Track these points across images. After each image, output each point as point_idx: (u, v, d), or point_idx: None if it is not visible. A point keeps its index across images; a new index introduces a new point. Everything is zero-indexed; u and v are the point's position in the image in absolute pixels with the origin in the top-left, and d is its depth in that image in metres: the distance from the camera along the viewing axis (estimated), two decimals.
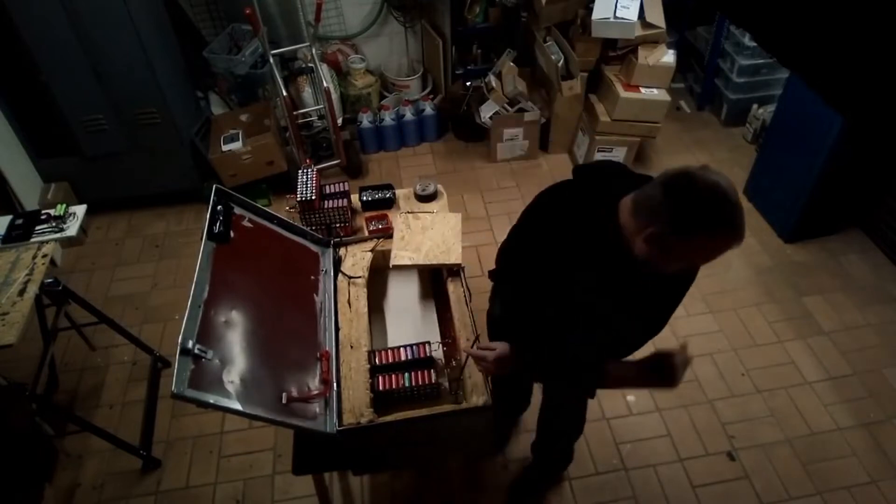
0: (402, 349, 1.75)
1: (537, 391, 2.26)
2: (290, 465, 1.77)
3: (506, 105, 3.49)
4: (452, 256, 1.93)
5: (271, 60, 3.12)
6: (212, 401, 1.34)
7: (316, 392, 1.60)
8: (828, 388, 2.58)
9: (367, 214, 2.19)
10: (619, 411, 2.51)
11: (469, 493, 2.29)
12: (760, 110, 3.70)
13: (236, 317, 1.56)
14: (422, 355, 1.73)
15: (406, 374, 1.69)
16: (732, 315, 2.87)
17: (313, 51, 3.20)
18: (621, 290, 1.30)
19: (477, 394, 1.65)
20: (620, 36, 3.26)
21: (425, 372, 1.69)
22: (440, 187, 2.27)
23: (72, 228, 2.26)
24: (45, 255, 2.15)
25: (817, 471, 2.32)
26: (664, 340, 2.92)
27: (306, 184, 2.09)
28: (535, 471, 2.28)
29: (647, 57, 3.25)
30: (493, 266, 1.69)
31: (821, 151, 2.84)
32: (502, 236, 1.65)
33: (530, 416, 2.49)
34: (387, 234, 2.06)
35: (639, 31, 3.21)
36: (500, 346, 1.54)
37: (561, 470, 2.31)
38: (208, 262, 1.58)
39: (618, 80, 3.37)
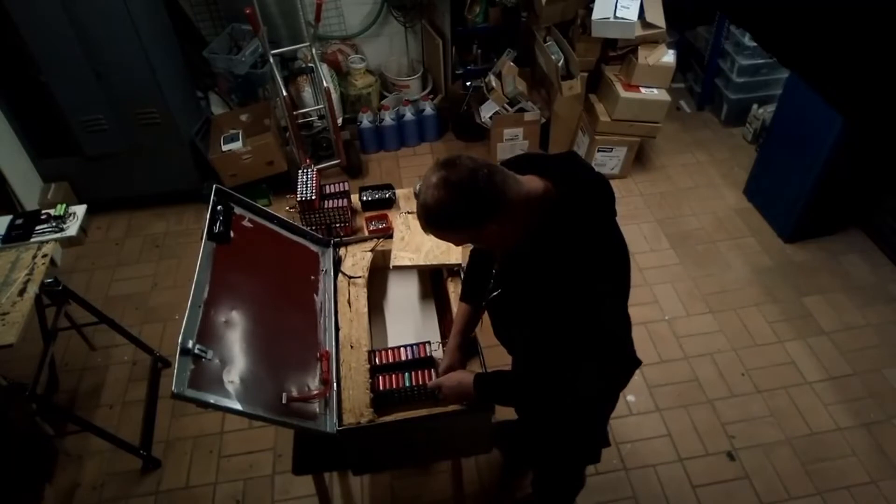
0: (402, 349, 1.75)
1: None
2: (290, 465, 1.77)
3: (506, 105, 3.48)
4: (452, 256, 1.93)
5: (271, 60, 3.12)
6: (212, 401, 1.34)
7: (316, 392, 1.60)
8: (828, 388, 2.58)
9: (367, 214, 2.19)
10: (620, 411, 2.51)
11: (469, 494, 2.29)
12: (760, 110, 3.70)
13: (236, 317, 1.56)
14: (422, 355, 1.73)
15: (406, 374, 1.69)
16: (732, 315, 2.87)
17: (313, 51, 3.20)
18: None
19: None
20: (620, 36, 3.26)
21: (425, 372, 1.69)
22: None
23: (72, 228, 2.26)
24: (45, 255, 2.15)
25: (817, 471, 2.32)
26: (663, 340, 2.94)
27: (306, 184, 2.09)
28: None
29: (647, 57, 3.25)
30: None
31: (821, 151, 2.84)
32: None
33: None
34: (387, 234, 2.06)
35: (639, 31, 3.21)
36: (457, 378, 1.58)
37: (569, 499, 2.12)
38: (208, 262, 1.58)
39: (618, 80, 3.37)
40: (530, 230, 1.26)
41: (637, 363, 1.56)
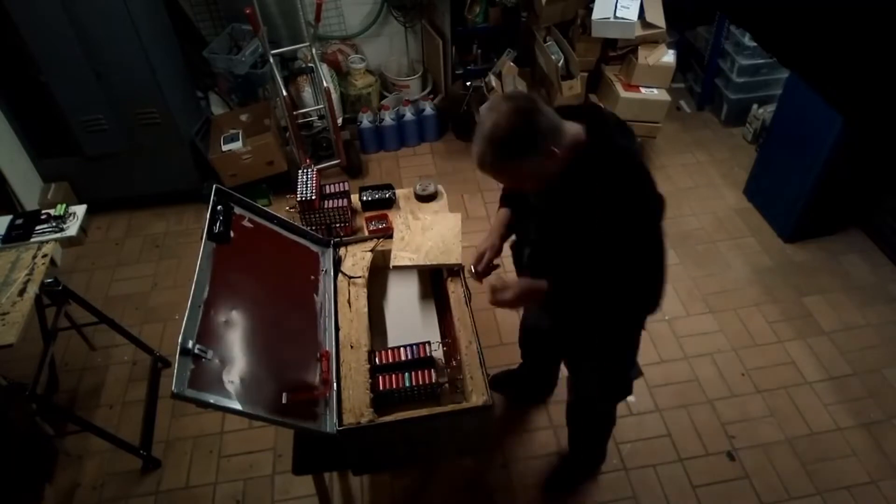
0: (402, 349, 1.75)
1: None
2: (290, 465, 1.77)
3: None
4: (452, 256, 1.94)
5: (271, 60, 3.12)
6: (212, 401, 1.35)
7: (316, 392, 1.60)
8: (828, 388, 2.58)
9: (367, 214, 2.19)
10: (620, 411, 2.49)
11: (469, 493, 2.29)
12: (760, 110, 3.70)
13: (236, 317, 1.56)
14: (422, 355, 1.73)
15: (406, 374, 1.69)
16: (732, 315, 2.87)
17: (313, 51, 3.20)
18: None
19: (477, 394, 1.65)
20: (620, 36, 3.26)
21: (425, 372, 1.69)
22: (440, 187, 2.27)
23: (72, 228, 2.26)
24: (45, 255, 2.15)
25: (817, 471, 2.32)
26: (663, 340, 2.94)
27: (306, 184, 2.09)
28: (570, 465, 2.32)
29: (647, 57, 3.25)
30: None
31: (821, 151, 2.84)
32: None
33: (557, 413, 2.49)
34: (387, 234, 2.06)
35: (639, 31, 3.21)
36: (525, 283, 1.61)
37: (595, 466, 2.33)
38: (208, 262, 1.58)
39: (618, 80, 3.37)
40: (565, 167, 1.37)
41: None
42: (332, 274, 1.96)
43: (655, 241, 1.43)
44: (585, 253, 1.44)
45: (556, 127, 1.32)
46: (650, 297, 1.49)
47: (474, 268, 1.77)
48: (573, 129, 1.38)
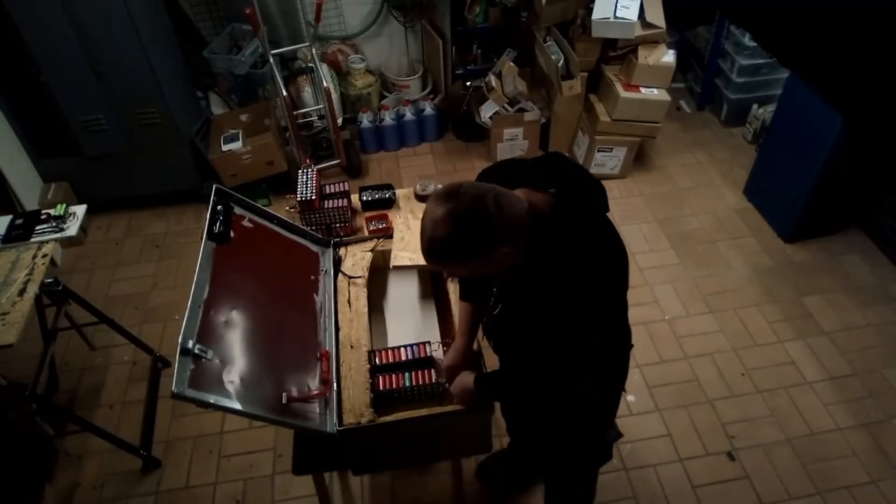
0: (402, 349, 1.75)
1: None
2: (290, 465, 1.77)
3: (506, 105, 3.48)
4: None
5: (271, 60, 3.12)
6: (212, 401, 1.35)
7: (316, 392, 1.60)
8: (828, 388, 2.58)
9: (367, 214, 2.19)
10: (620, 411, 2.50)
11: (469, 494, 2.29)
12: (760, 110, 3.70)
13: (236, 317, 1.56)
14: (422, 355, 1.73)
15: (406, 374, 1.69)
16: (732, 315, 2.87)
17: (313, 51, 3.20)
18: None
19: None
20: (620, 36, 3.26)
21: (425, 372, 1.69)
22: (440, 187, 2.26)
23: (72, 228, 2.26)
24: (45, 255, 2.15)
25: (817, 471, 2.32)
26: (663, 340, 2.93)
27: (306, 184, 2.08)
28: None
29: (647, 57, 3.25)
30: None
31: (821, 151, 2.84)
32: None
33: None
34: (387, 234, 2.06)
35: (639, 31, 3.20)
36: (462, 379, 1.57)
37: None
38: (208, 262, 1.58)
39: (618, 80, 3.37)
40: (526, 245, 1.22)
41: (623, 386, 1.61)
42: (332, 274, 1.96)
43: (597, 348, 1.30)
44: (531, 347, 1.34)
45: (505, 223, 1.16)
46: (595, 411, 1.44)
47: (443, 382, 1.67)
48: (535, 203, 1.23)
